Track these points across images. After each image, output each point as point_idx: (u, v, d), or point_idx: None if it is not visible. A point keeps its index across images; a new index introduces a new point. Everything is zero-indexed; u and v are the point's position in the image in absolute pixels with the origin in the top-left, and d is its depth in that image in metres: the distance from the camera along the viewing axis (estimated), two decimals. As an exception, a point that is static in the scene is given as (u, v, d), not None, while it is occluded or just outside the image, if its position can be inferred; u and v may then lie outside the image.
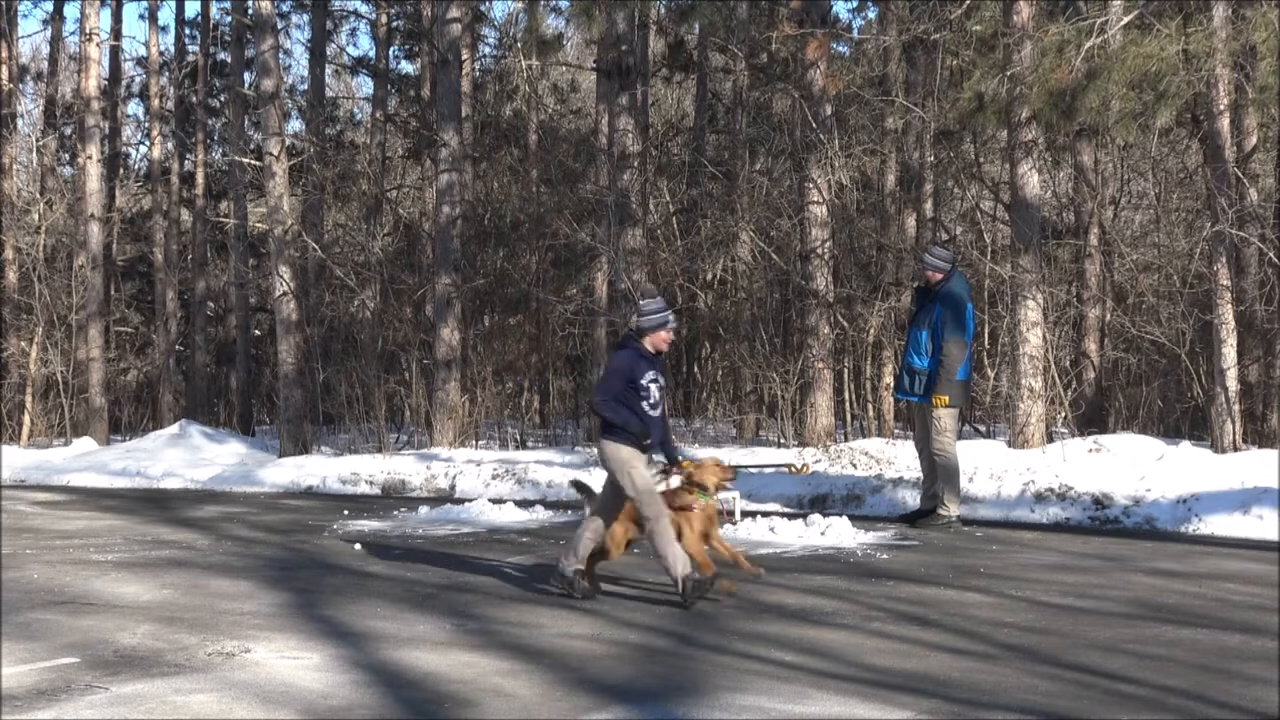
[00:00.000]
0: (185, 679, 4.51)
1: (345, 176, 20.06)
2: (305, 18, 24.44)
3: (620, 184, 15.07)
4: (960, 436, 14.11)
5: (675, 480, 6.50)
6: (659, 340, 6.26)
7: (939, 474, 9.22)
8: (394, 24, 23.73)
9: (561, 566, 6.24)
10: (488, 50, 23.35)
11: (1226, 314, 11.16)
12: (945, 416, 9.13)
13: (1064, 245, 14.80)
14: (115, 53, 24.70)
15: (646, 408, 6.13)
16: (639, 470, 6.09)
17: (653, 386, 6.17)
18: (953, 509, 9.18)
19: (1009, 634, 5.28)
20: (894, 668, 4.65)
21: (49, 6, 37.63)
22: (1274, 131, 12.51)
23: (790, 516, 9.33)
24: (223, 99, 24.81)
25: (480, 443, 15.79)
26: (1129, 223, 16.49)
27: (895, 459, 11.65)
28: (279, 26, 21.54)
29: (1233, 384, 11.12)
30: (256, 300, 23.40)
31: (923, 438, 9.38)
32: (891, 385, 11.44)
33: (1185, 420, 13.66)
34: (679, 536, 6.08)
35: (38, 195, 22.24)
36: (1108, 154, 15.13)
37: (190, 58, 25.11)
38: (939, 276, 9.20)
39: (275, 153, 16.15)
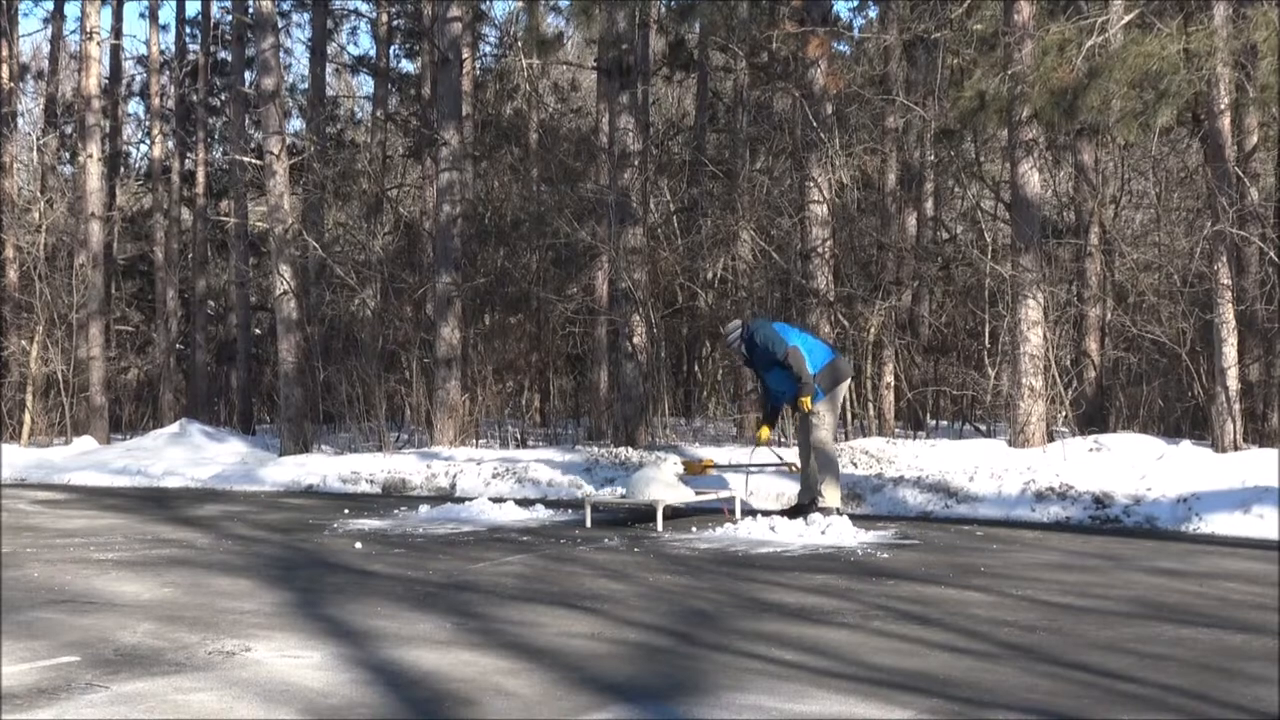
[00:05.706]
0: (186, 677, 4.51)
1: (346, 175, 20.06)
2: (306, 16, 24.48)
3: (620, 183, 15.06)
4: (960, 436, 14.19)
5: None
6: None
7: (818, 465, 9.50)
8: (394, 23, 23.74)
9: None
10: (488, 49, 23.36)
11: (1227, 313, 11.16)
12: (821, 413, 9.50)
13: (1064, 244, 14.78)
14: (116, 51, 24.72)
15: None
16: None
17: None
18: (832, 499, 9.43)
19: (1010, 633, 5.27)
20: (894, 666, 4.65)
21: (49, 5, 37.60)
22: (1275, 131, 12.51)
23: (790, 515, 9.32)
24: (223, 98, 24.83)
25: (481, 441, 15.79)
26: (1129, 222, 16.46)
27: (895, 458, 11.66)
28: (280, 25, 21.55)
29: (1233, 383, 11.11)
30: (257, 299, 23.40)
31: (802, 437, 9.78)
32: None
33: (1186, 420, 13.65)
34: None
35: (38, 194, 22.22)
36: (1108, 153, 15.11)
37: (191, 56, 25.12)
38: (742, 344, 9.70)
39: (276, 151, 16.15)
